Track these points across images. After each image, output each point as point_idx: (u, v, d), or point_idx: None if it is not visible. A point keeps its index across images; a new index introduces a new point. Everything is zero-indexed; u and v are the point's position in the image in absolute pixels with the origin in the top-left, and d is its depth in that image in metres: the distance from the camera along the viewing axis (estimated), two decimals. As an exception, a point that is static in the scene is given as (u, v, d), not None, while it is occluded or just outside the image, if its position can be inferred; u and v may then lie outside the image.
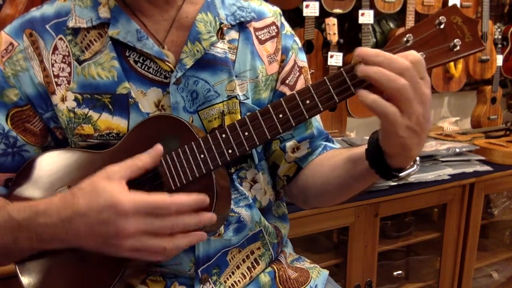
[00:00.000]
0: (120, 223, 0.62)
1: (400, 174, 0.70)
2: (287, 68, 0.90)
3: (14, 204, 0.72)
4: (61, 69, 0.79)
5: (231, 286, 0.85)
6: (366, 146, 0.72)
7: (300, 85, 0.92)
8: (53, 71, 0.79)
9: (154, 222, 0.63)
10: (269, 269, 0.91)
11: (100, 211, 0.63)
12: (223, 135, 0.71)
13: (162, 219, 0.64)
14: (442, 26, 0.65)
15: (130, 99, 0.78)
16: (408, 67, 0.59)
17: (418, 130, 0.62)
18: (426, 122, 0.62)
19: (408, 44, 0.65)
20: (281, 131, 0.69)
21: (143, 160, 0.69)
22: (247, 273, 0.87)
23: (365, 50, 0.61)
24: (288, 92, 0.90)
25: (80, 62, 0.79)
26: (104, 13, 0.78)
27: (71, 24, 0.78)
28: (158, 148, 0.70)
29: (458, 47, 0.64)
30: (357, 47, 0.62)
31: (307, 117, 0.68)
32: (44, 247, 0.69)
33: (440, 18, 0.64)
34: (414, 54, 0.61)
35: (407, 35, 0.65)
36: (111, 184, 0.64)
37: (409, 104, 0.60)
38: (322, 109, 0.67)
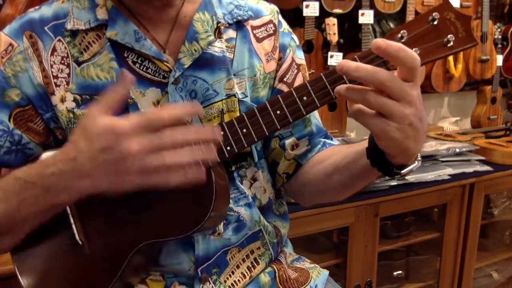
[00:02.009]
0: (122, 144, 0.59)
1: (402, 171, 0.70)
2: (285, 65, 0.90)
3: (19, 168, 0.70)
4: (60, 70, 0.79)
5: (231, 286, 0.85)
6: (366, 143, 0.72)
7: (298, 82, 0.92)
8: (52, 72, 0.79)
9: (153, 136, 0.60)
10: (269, 269, 0.91)
11: (100, 140, 0.60)
12: (221, 132, 0.71)
13: (160, 132, 0.60)
14: (435, 22, 0.65)
15: (129, 100, 0.78)
16: (390, 78, 0.58)
17: (411, 129, 0.61)
18: (419, 122, 0.61)
19: (403, 40, 0.65)
20: (279, 127, 0.70)
21: (112, 89, 0.64)
22: (247, 273, 0.87)
23: (345, 64, 0.59)
24: (286, 89, 0.90)
25: (79, 64, 0.79)
26: (101, 14, 0.78)
27: (69, 26, 0.79)
28: (126, 75, 0.65)
29: (451, 43, 0.65)
30: (342, 60, 0.61)
31: (304, 113, 0.68)
32: (51, 202, 0.65)
33: (434, 14, 0.65)
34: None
35: (401, 31, 0.66)
36: (98, 117, 0.61)
37: (388, 109, 0.59)
38: (319, 105, 0.68)
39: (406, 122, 0.60)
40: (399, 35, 0.66)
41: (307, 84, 0.67)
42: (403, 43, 0.65)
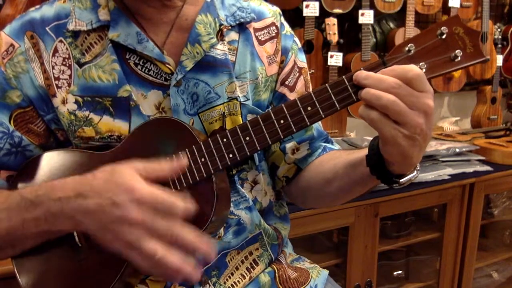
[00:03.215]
0: (130, 207, 0.60)
1: (401, 181, 0.70)
2: (286, 69, 0.90)
3: (26, 187, 0.71)
4: (62, 72, 0.79)
5: (230, 287, 0.85)
6: (366, 151, 0.72)
7: (300, 85, 0.92)
8: (53, 73, 0.79)
9: (158, 221, 0.61)
10: (269, 269, 0.91)
11: (116, 193, 0.61)
12: (224, 139, 0.71)
13: (166, 221, 0.62)
14: (443, 37, 0.65)
15: (131, 102, 0.78)
16: (395, 84, 0.61)
17: (419, 139, 0.62)
18: (428, 132, 0.63)
19: (410, 54, 0.65)
20: (282, 136, 0.69)
21: (163, 166, 0.67)
22: (246, 274, 0.87)
23: (358, 75, 0.64)
24: (288, 93, 0.90)
25: (80, 65, 0.79)
26: (104, 15, 0.78)
27: (71, 27, 0.78)
28: (182, 161, 0.69)
29: (459, 58, 0.65)
30: (357, 71, 0.65)
31: (308, 123, 0.68)
32: (50, 228, 0.67)
33: (442, 28, 0.65)
34: (414, 69, 0.61)
35: (409, 45, 0.65)
36: (132, 171, 0.64)
37: (403, 116, 0.61)
38: (323, 116, 0.67)
39: (417, 131, 0.61)
40: (407, 48, 0.66)
41: (312, 95, 0.67)
42: (410, 56, 0.65)
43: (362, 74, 0.64)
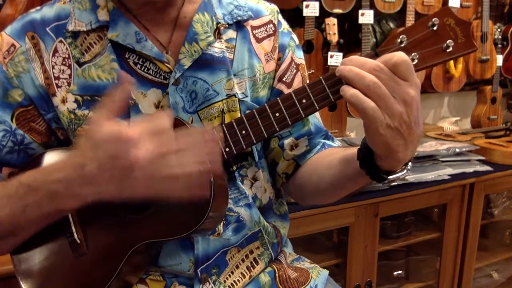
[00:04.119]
0: (130, 151, 0.58)
1: (389, 177, 0.70)
2: (284, 65, 0.91)
3: (24, 173, 0.69)
4: (62, 71, 0.79)
5: (230, 286, 0.85)
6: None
7: (297, 82, 0.92)
8: (53, 73, 0.79)
9: (160, 139, 0.60)
10: (269, 269, 0.91)
11: (107, 148, 0.59)
12: (220, 134, 0.71)
13: (167, 135, 0.60)
14: (435, 28, 0.66)
15: (130, 101, 0.78)
16: (377, 67, 0.61)
17: (402, 131, 0.62)
18: (413, 124, 0.63)
19: (402, 45, 0.66)
20: (277, 129, 0.70)
21: (112, 93, 0.63)
22: (246, 273, 0.87)
23: (343, 60, 0.65)
24: (285, 89, 0.90)
25: (80, 65, 0.79)
26: (103, 16, 0.79)
27: (70, 27, 0.79)
28: (125, 77, 0.64)
29: (451, 48, 0.66)
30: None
31: (303, 116, 0.69)
32: (55, 207, 0.65)
33: (433, 20, 0.66)
34: (399, 55, 0.61)
35: (401, 36, 0.67)
36: (103, 124, 0.60)
37: (384, 101, 0.61)
38: (318, 108, 0.69)
39: (396, 119, 0.61)
40: (399, 40, 0.67)
41: (306, 87, 0.68)
42: (402, 47, 0.66)
43: (346, 58, 0.64)
